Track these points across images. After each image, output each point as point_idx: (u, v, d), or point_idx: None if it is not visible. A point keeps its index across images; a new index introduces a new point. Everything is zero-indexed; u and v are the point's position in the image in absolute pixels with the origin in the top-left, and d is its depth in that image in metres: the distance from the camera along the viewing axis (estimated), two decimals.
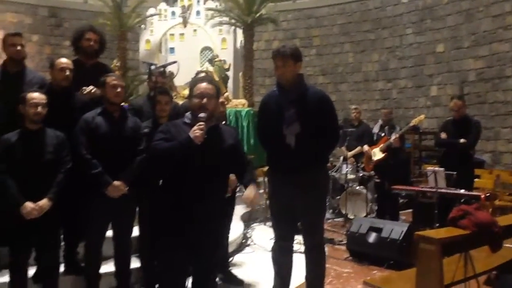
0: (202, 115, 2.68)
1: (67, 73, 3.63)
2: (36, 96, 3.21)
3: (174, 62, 4.63)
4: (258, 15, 8.80)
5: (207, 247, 2.77)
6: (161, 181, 2.98)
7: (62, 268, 3.55)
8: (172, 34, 9.45)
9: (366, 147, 6.97)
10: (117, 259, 3.58)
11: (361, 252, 4.93)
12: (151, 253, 3.50)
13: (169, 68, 5.98)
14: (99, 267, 3.51)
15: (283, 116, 3.19)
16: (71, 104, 3.65)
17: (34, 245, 3.24)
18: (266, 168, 3.75)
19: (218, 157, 2.75)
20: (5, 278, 3.32)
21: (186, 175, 2.69)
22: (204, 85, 2.78)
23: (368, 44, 11.06)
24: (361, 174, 7.08)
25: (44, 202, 3.11)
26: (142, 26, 9.66)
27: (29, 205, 3.06)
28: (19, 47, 3.84)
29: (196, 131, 2.62)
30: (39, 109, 3.18)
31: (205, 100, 2.73)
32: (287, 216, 3.33)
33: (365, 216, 6.38)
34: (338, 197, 7.09)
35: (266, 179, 4.07)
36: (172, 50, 9.39)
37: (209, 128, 2.70)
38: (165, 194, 2.80)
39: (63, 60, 3.69)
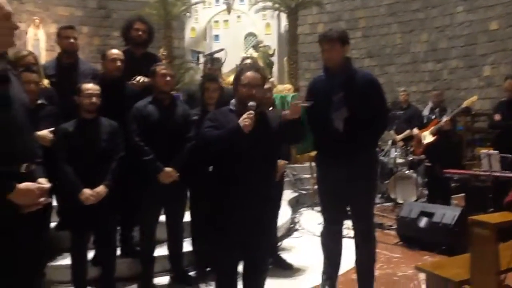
0: (251, 103, 2.69)
1: (119, 63, 3.74)
2: (91, 87, 3.32)
3: (222, 49, 4.65)
4: None
5: (258, 232, 2.80)
6: (210, 167, 3.04)
7: (119, 252, 3.69)
8: (216, 21, 9.52)
9: (415, 130, 6.81)
10: (170, 243, 3.72)
11: (412, 237, 4.85)
12: (203, 237, 3.59)
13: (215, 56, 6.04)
14: (153, 251, 3.63)
15: (330, 101, 3.15)
16: (123, 94, 3.75)
17: (92, 229, 3.39)
18: (314, 153, 3.74)
19: (266, 143, 2.76)
20: (67, 261, 3.51)
21: (235, 162, 2.73)
22: (251, 74, 2.78)
23: (416, 24, 10.72)
24: (410, 158, 6.94)
25: (101, 189, 3.23)
26: (187, 14, 9.76)
27: (87, 191, 3.19)
28: (72, 40, 4.00)
29: (246, 120, 2.64)
30: (94, 99, 3.29)
31: (254, 90, 2.74)
32: (336, 201, 3.32)
33: (416, 201, 6.26)
34: (387, 182, 6.98)
35: (314, 163, 4.06)
36: (216, 37, 9.46)
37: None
38: (215, 180, 2.86)
39: (115, 51, 3.81)
